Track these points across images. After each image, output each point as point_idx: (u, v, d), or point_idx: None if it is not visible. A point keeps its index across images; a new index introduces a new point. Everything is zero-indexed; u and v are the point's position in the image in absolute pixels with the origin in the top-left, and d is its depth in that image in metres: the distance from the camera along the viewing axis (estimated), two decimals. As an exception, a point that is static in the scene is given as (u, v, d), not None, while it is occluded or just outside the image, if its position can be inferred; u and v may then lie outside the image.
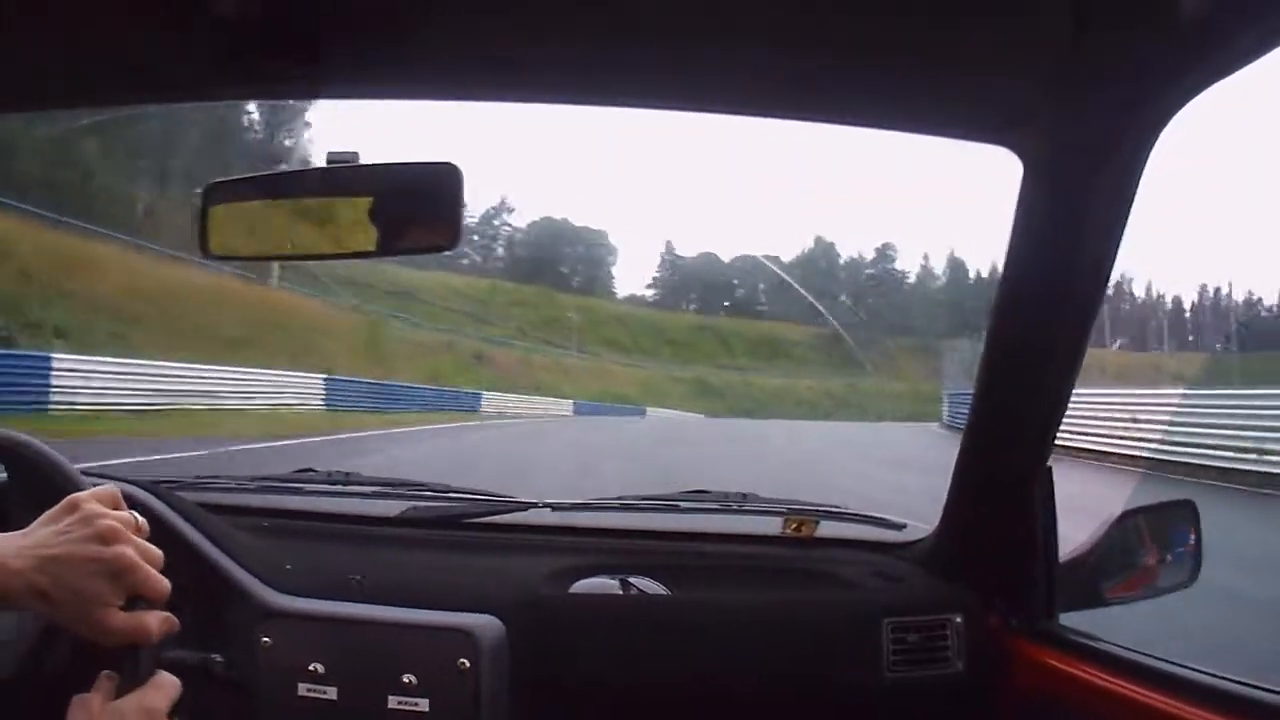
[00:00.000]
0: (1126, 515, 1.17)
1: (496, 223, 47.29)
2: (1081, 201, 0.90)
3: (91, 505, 0.70)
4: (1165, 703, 0.90)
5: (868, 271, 51.21)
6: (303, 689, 1.00)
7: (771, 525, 1.32)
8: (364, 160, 0.87)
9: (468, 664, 1.00)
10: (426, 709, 0.99)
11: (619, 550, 1.27)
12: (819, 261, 49.83)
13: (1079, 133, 0.86)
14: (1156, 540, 1.18)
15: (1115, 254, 0.92)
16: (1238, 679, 0.87)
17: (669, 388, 36.22)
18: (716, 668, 1.11)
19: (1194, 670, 0.91)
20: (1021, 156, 0.92)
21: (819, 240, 53.49)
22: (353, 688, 1.00)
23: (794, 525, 1.30)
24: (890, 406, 36.58)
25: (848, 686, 1.13)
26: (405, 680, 0.99)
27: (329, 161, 0.88)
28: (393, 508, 1.32)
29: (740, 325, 47.11)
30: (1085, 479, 7.26)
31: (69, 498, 0.71)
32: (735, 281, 51.18)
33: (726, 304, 50.73)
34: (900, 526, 1.30)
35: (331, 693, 1.00)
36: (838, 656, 1.13)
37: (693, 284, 51.85)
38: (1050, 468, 1.10)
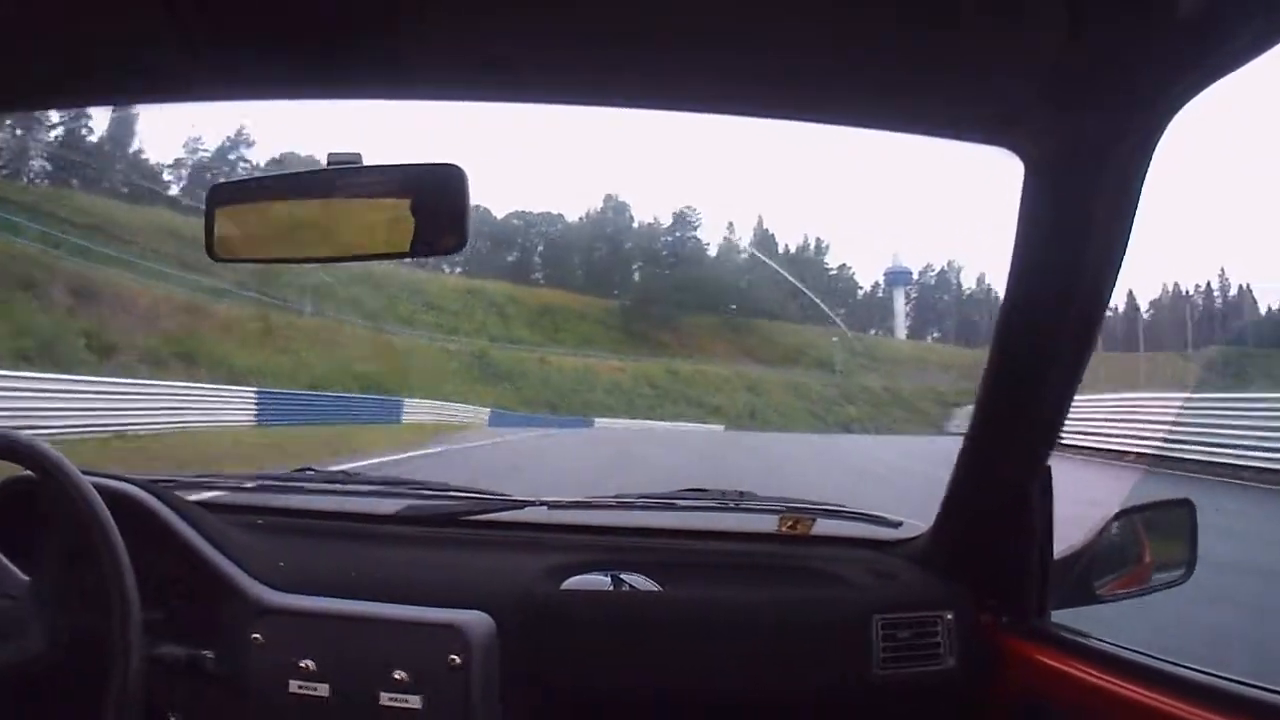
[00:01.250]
0: (1122, 513, 1.17)
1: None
2: (1084, 202, 0.90)
3: None
4: (1157, 700, 0.90)
5: (664, 239, 45.09)
6: (294, 685, 1.01)
7: (768, 523, 1.32)
8: (366, 162, 0.88)
9: (459, 660, 1.00)
10: (418, 705, 0.99)
11: (614, 548, 1.27)
12: (606, 225, 43.90)
13: (1079, 132, 0.86)
14: (1152, 538, 1.19)
15: (1121, 255, 0.92)
16: (1230, 676, 0.88)
17: (439, 363, 28.69)
18: (705, 664, 1.11)
19: (1186, 668, 0.92)
20: (1021, 157, 0.92)
21: (609, 199, 46.14)
22: (344, 684, 1.00)
23: (790, 523, 1.31)
24: (785, 402, 34.75)
25: (837, 683, 1.13)
26: (396, 677, 1.00)
27: (331, 163, 0.88)
28: (389, 506, 1.32)
29: (518, 293, 39.23)
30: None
31: None
32: (520, 240, 43.72)
33: (505, 266, 41.40)
34: (896, 524, 1.30)
35: (323, 689, 1.00)
36: (827, 653, 1.13)
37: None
38: (1049, 467, 1.10)
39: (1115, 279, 0.94)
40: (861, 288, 48.60)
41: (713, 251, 46.05)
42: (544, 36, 0.81)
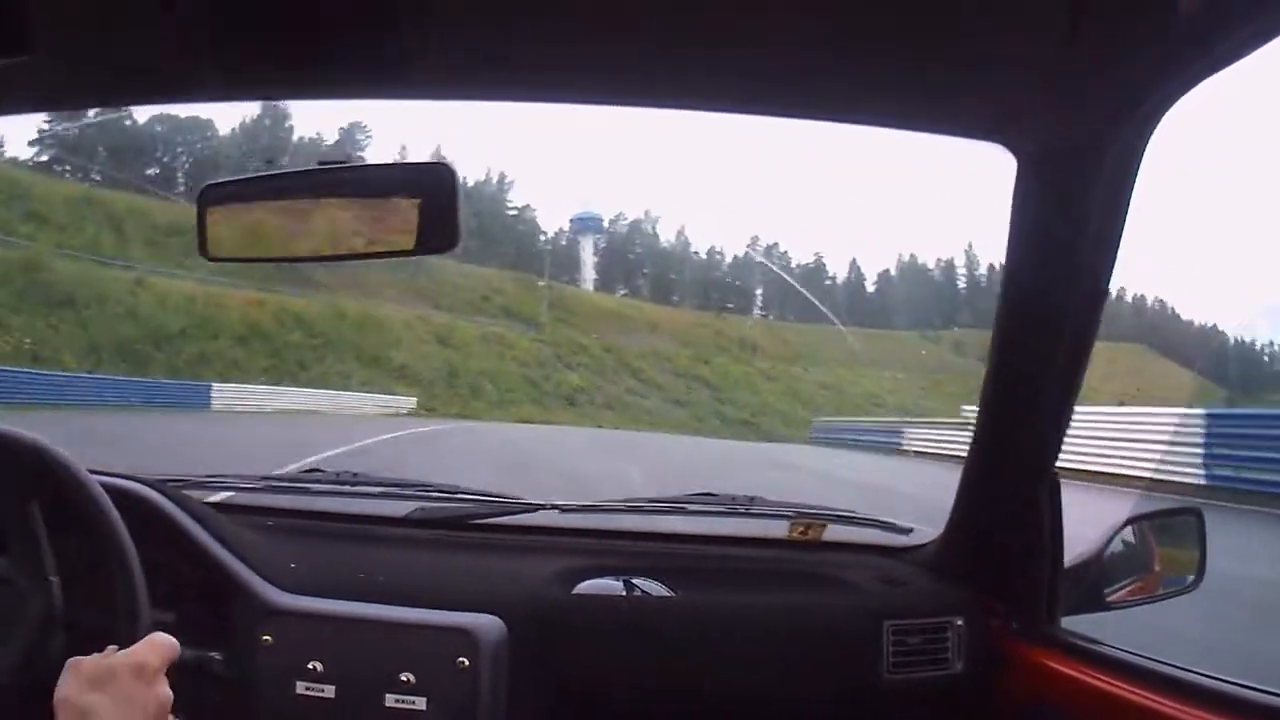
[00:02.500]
0: (1131, 520, 1.17)
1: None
2: (1077, 198, 0.90)
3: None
4: (1166, 705, 0.90)
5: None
6: (301, 687, 1.01)
7: (778, 529, 1.32)
8: (356, 161, 0.87)
9: (467, 663, 1.00)
10: (424, 708, 0.99)
11: (624, 552, 1.27)
12: (261, 136, 31.71)
13: (1072, 129, 0.86)
14: (1161, 546, 1.18)
15: (1115, 252, 0.92)
16: (1239, 682, 0.88)
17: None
18: (716, 669, 1.12)
19: (1195, 673, 0.92)
20: (1016, 154, 0.92)
21: (268, 108, 32.66)
22: (351, 686, 1.00)
23: (800, 529, 1.31)
24: (492, 363, 27.33)
25: (847, 688, 1.14)
26: (403, 679, 1.00)
27: (322, 163, 0.88)
28: (400, 508, 1.32)
29: (146, 206, 28.64)
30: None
31: (137, 663, 0.73)
32: (161, 152, 33.44)
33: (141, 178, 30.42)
34: (907, 531, 1.30)
35: (329, 691, 1.00)
36: (838, 658, 1.14)
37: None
38: (1057, 472, 1.09)
39: (1110, 274, 0.94)
40: (545, 232, 42.74)
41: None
42: (544, 37, 0.81)
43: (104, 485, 0.92)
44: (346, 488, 1.35)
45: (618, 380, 30.11)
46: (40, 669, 0.88)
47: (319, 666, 1.01)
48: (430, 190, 0.87)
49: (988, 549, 1.17)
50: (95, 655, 0.72)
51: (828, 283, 41.79)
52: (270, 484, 1.34)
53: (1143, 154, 0.85)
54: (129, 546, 0.89)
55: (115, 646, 0.75)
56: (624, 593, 1.18)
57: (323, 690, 1.00)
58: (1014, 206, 0.95)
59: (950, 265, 43.43)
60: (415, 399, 24.46)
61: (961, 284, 42.83)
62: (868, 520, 1.32)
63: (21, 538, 0.94)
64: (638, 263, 44.29)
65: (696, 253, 45.00)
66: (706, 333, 34.71)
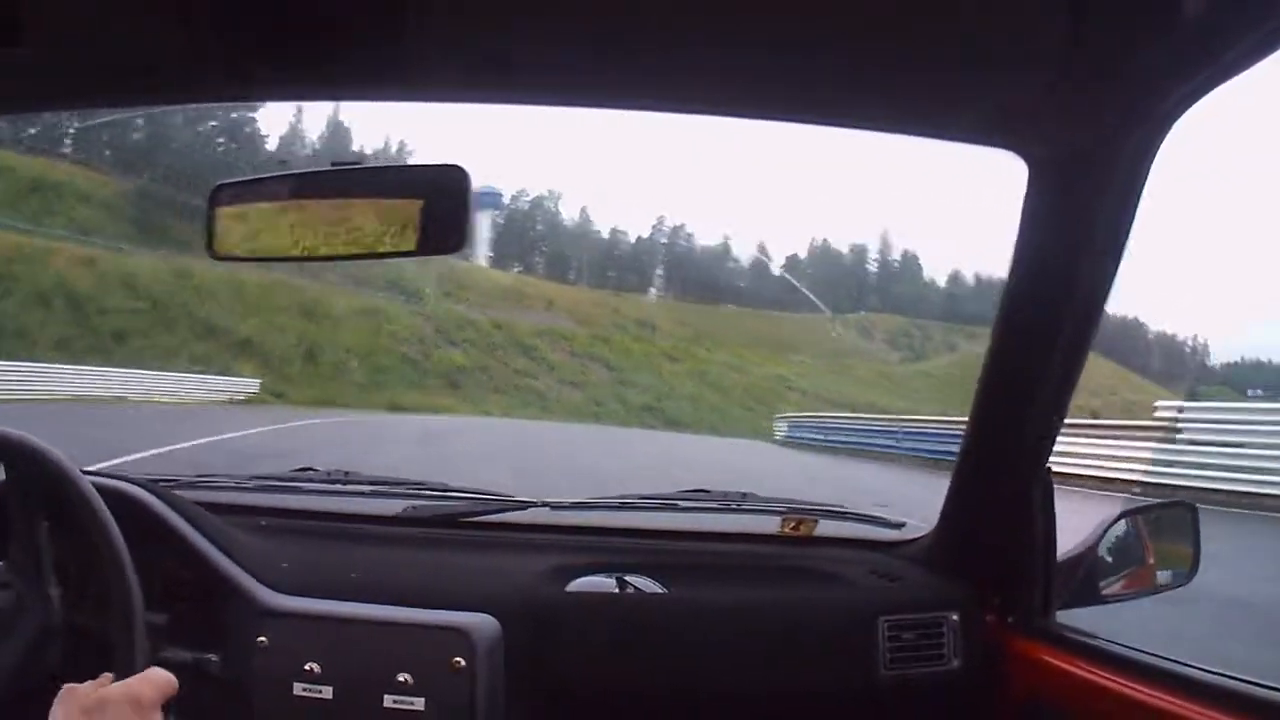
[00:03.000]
0: (1125, 514, 1.17)
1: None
2: (1086, 204, 0.91)
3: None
4: (1161, 699, 0.90)
5: (211, 125, 30.37)
6: (298, 688, 1.00)
7: (771, 524, 1.32)
8: (368, 163, 0.88)
9: (463, 663, 1.00)
10: (421, 708, 0.99)
11: (617, 549, 1.27)
12: None
13: (1082, 136, 0.86)
14: (1154, 539, 1.19)
15: (1119, 258, 0.93)
16: (1234, 675, 0.88)
17: None
18: (711, 666, 1.11)
19: (1190, 666, 0.92)
20: (1025, 159, 0.92)
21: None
22: (348, 687, 1.00)
23: (793, 524, 1.31)
24: (362, 338, 23.52)
25: (843, 684, 1.13)
26: (401, 679, 0.99)
27: (335, 163, 0.89)
28: (391, 506, 1.32)
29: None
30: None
31: (132, 696, 0.71)
32: None
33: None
34: (899, 525, 1.31)
35: (327, 692, 1.00)
36: (832, 655, 1.13)
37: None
38: (1050, 467, 1.10)
39: (1114, 280, 0.95)
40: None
41: (273, 144, 32.90)
42: (544, 38, 0.82)
43: (96, 486, 0.92)
44: (338, 487, 1.35)
45: (509, 360, 26.96)
46: (37, 673, 0.88)
47: (316, 668, 1.00)
48: (441, 192, 0.88)
49: (981, 543, 1.17)
50: (91, 683, 0.71)
51: (731, 265, 41.31)
52: (262, 483, 1.34)
53: (1152, 161, 0.86)
54: (122, 548, 0.89)
55: (112, 675, 0.74)
56: (617, 590, 1.17)
57: (320, 691, 1.00)
58: (1022, 210, 0.96)
59: (863, 250, 43.46)
60: (259, 381, 20.14)
61: (873, 269, 42.83)
62: (859, 515, 1.33)
63: (19, 541, 0.94)
64: (536, 239, 42.77)
65: (598, 231, 43.94)
66: (604, 311, 33.40)
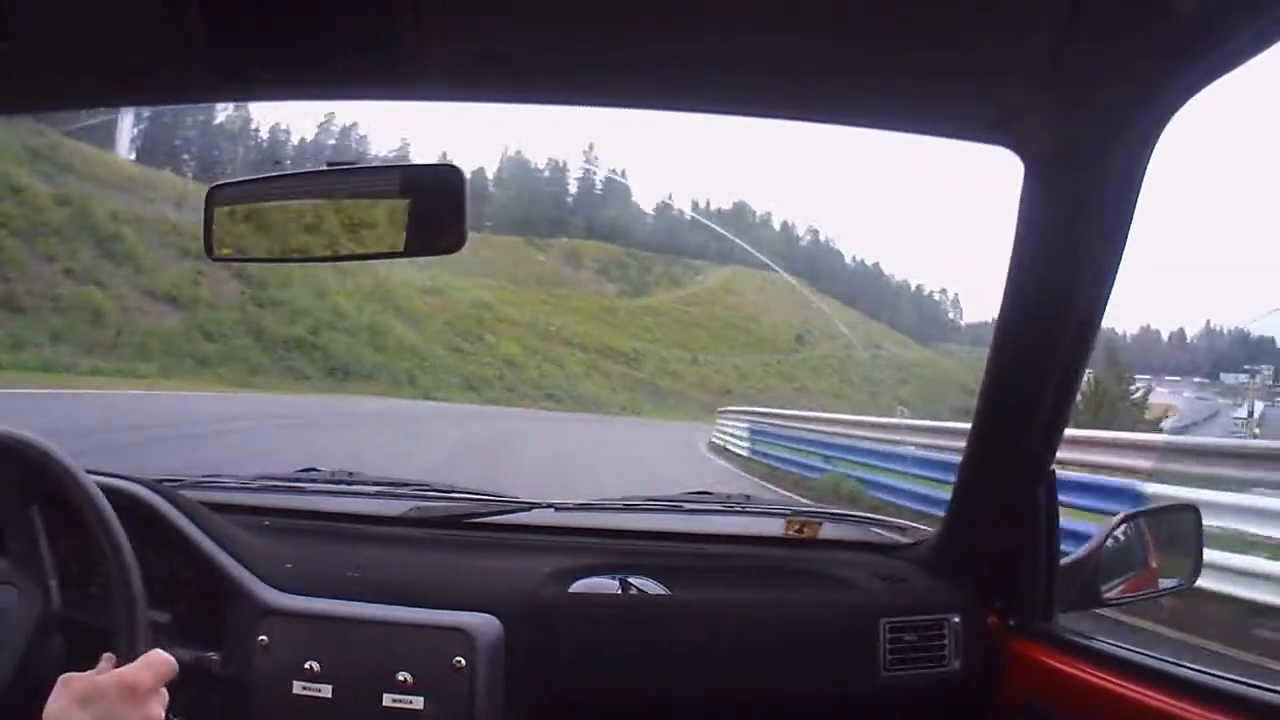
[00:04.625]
0: (1127, 517, 1.17)
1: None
2: (1083, 200, 0.90)
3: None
4: (1163, 701, 0.91)
5: None
6: (298, 687, 1.01)
7: (773, 527, 1.33)
8: (366, 163, 0.88)
9: (464, 662, 1.01)
10: (420, 707, 0.99)
11: (621, 550, 1.27)
12: None
13: (1079, 131, 0.86)
14: (1157, 543, 1.19)
15: (1120, 254, 0.92)
16: (1235, 677, 0.88)
17: None
18: (714, 667, 1.12)
19: (1191, 669, 0.92)
20: (1021, 156, 0.92)
21: None
22: (348, 686, 1.00)
23: (796, 526, 1.31)
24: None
25: (844, 686, 1.14)
26: (400, 678, 1.00)
27: (330, 164, 0.89)
28: (396, 507, 1.32)
29: None
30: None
31: (128, 682, 0.72)
32: None
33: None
34: (902, 528, 1.31)
35: (326, 691, 1.00)
36: (834, 656, 1.14)
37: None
38: (1054, 470, 1.10)
39: (1114, 277, 0.94)
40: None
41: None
42: (541, 37, 0.81)
43: (100, 485, 0.92)
44: (342, 487, 1.35)
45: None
46: (39, 669, 0.88)
47: (316, 666, 1.01)
48: (437, 191, 0.88)
49: (984, 546, 1.17)
50: (89, 671, 0.71)
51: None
52: (266, 483, 1.34)
53: (1149, 157, 0.85)
54: (126, 547, 0.89)
55: (110, 660, 0.74)
56: (620, 591, 1.17)
57: (320, 690, 1.00)
58: (1019, 208, 0.95)
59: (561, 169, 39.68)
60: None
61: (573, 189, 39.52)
62: (863, 518, 1.34)
63: (21, 539, 0.94)
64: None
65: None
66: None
